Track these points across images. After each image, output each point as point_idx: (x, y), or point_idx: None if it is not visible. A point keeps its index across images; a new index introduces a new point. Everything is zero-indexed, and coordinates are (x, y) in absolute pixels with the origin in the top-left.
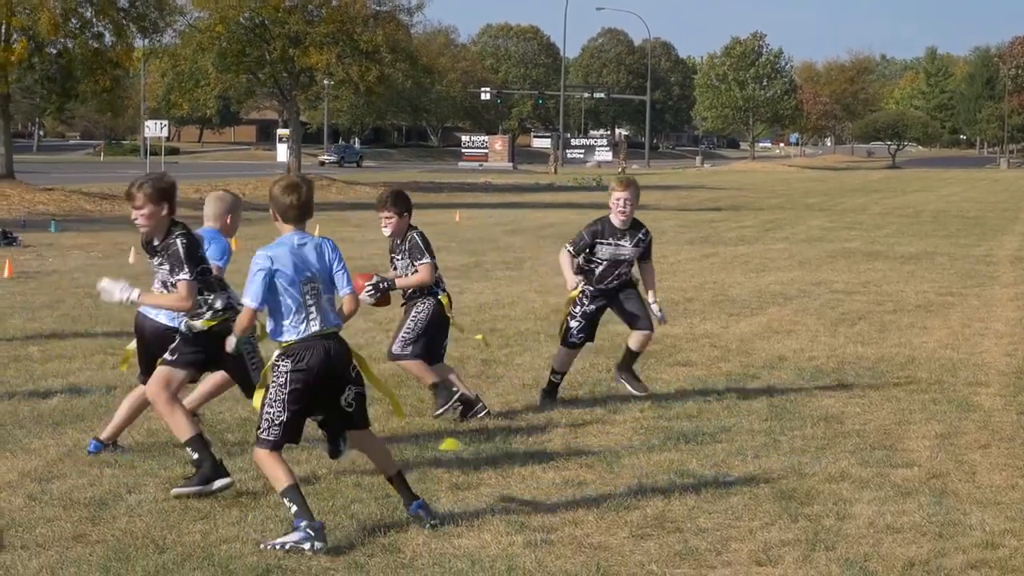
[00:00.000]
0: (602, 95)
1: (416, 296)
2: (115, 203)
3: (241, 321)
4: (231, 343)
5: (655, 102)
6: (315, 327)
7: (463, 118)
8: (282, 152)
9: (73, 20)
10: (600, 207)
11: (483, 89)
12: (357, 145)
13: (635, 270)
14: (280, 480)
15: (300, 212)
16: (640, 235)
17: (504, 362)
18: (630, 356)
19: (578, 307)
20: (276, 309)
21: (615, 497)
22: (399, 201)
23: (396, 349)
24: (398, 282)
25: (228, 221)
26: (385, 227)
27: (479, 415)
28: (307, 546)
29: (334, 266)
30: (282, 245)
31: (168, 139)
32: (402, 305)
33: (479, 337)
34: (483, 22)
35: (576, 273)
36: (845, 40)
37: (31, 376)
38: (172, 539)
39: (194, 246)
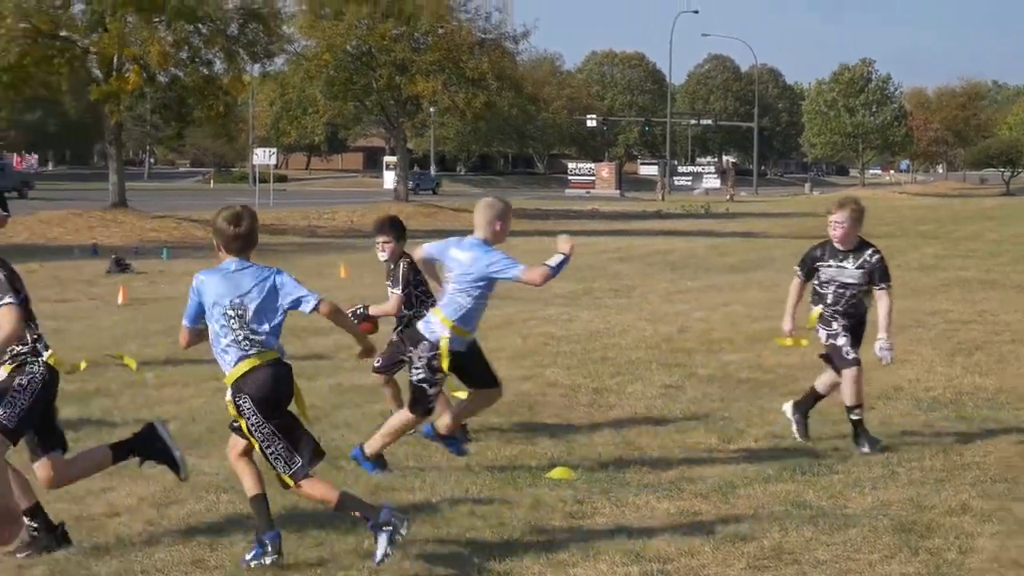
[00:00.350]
0: (709, 122)
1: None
2: None
3: (181, 339)
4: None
5: (763, 129)
6: (241, 353)
7: (569, 145)
8: (389, 179)
9: (185, 49)
10: (707, 234)
11: (589, 116)
12: (433, 172)
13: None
14: (329, 496)
15: (243, 243)
16: (866, 256)
17: (616, 391)
18: (813, 398)
19: (834, 324)
20: (214, 339)
21: (731, 528)
22: (395, 227)
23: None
24: (371, 310)
25: (498, 228)
26: (382, 252)
27: None
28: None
29: (286, 288)
30: (218, 271)
31: (276, 166)
32: (395, 329)
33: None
34: (588, 49)
35: (815, 299)
36: (956, 66)
37: (147, 402)
38: (290, 565)
39: (13, 275)
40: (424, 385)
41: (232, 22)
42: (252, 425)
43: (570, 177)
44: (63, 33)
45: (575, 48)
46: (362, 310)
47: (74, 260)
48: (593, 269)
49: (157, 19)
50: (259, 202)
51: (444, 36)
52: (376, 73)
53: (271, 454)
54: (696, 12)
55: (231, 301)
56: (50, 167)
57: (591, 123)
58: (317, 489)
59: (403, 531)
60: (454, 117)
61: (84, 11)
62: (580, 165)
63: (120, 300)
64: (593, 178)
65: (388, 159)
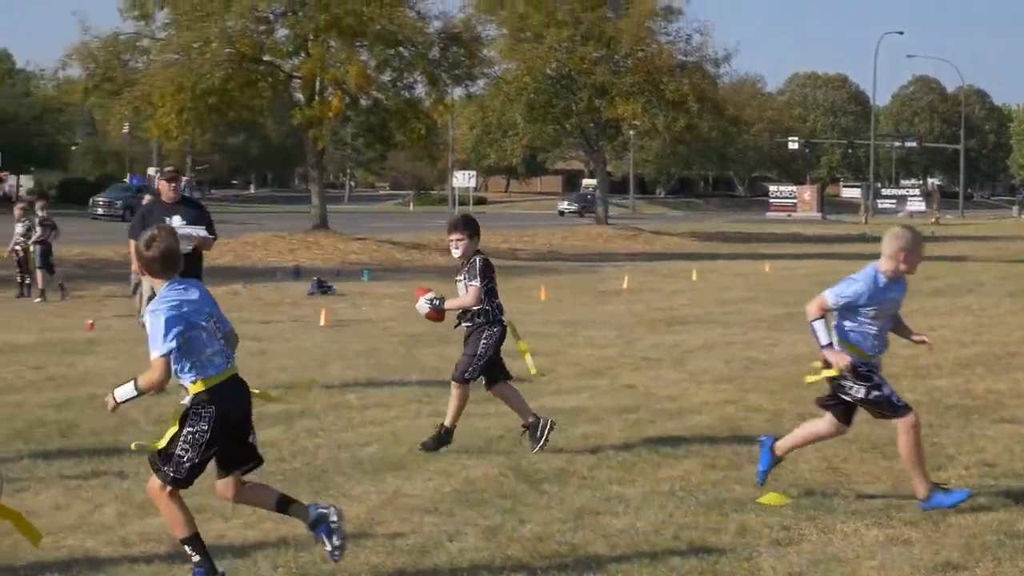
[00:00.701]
0: (913, 144)
1: (482, 323)
2: (425, 252)
3: (155, 375)
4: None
5: (969, 151)
6: (227, 364)
7: (770, 167)
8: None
9: (388, 71)
10: None
11: (791, 138)
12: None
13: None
14: (179, 526)
15: (162, 264)
16: None
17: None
18: None
19: None
20: (190, 351)
21: (942, 557)
22: (469, 225)
23: (467, 375)
24: (447, 303)
25: (902, 259)
26: (456, 248)
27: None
28: None
29: (218, 307)
30: (176, 288)
31: (476, 189)
32: (456, 326)
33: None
34: (790, 71)
35: None
36: None
37: (350, 423)
38: None
39: None
40: (878, 393)
41: (434, 46)
42: (194, 428)
43: (771, 200)
44: (266, 58)
45: (777, 70)
46: (438, 301)
47: (277, 282)
48: (796, 293)
49: (359, 43)
50: None
51: (644, 59)
52: (576, 96)
53: (177, 454)
54: (901, 33)
55: (207, 311)
56: (252, 190)
57: (793, 145)
58: (170, 507)
59: None
60: (654, 140)
61: (288, 35)
62: (781, 188)
63: (322, 322)
64: (795, 201)
65: (587, 182)
